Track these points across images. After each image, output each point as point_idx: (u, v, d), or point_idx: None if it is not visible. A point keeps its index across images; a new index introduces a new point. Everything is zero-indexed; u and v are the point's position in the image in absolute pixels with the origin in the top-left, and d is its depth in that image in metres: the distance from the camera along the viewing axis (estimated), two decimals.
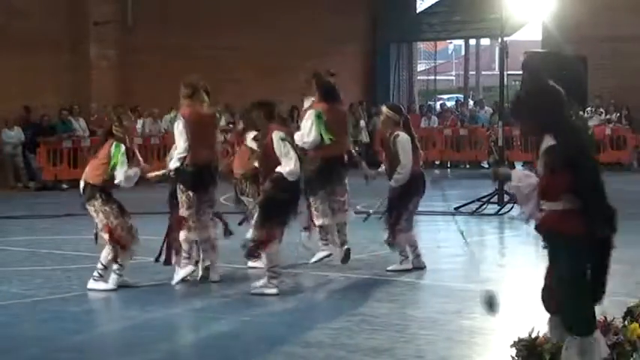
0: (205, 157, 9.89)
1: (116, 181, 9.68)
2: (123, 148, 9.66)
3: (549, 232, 5.81)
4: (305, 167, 9.75)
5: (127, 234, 9.75)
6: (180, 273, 9.88)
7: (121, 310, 9.27)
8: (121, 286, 9.77)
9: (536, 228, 5.90)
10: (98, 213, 9.71)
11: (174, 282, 9.85)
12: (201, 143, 9.80)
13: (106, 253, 9.73)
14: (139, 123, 23.92)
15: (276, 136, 9.31)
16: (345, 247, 10.63)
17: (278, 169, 9.18)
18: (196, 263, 10.04)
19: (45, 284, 10.17)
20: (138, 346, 7.67)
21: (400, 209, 10.41)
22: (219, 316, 8.66)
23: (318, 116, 10.40)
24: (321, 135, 10.35)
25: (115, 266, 9.74)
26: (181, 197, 9.84)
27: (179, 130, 9.87)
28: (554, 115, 5.66)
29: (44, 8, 23.60)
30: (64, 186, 21.27)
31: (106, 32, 24.29)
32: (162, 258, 10.03)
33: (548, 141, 5.62)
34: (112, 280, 9.73)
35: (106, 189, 9.74)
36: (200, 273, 10.10)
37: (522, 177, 5.79)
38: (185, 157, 9.80)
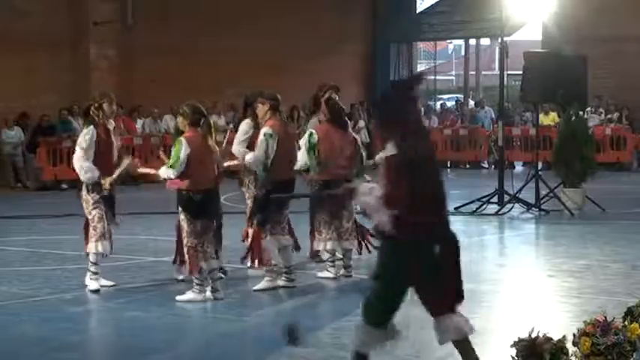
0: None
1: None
2: (87, 131, 9.57)
3: (383, 236, 5.86)
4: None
5: (98, 228, 9.62)
6: (189, 296, 9.61)
7: (120, 310, 9.25)
8: (120, 286, 9.77)
9: (375, 232, 6.03)
10: (83, 202, 9.72)
11: (180, 298, 9.53)
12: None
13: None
14: (139, 123, 23.94)
15: (263, 130, 9.54)
16: (349, 271, 10.48)
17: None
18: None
19: (45, 284, 10.17)
20: (138, 346, 7.67)
21: None
22: (220, 316, 8.66)
23: (310, 140, 10.25)
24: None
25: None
26: None
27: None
28: (394, 124, 5.80)
29: (44, 8, 23.60)
30: (64, 186, 21.26)
31: (106, 32, 24.29)
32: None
33: (389, 150, 5.76)
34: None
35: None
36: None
37: (368, 190, 5.89)
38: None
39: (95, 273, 9.71)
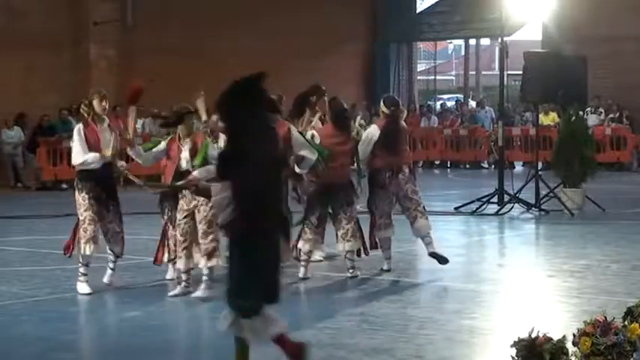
0: None
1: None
2: (77, 129, 9.53)
3: (227, 230, 6.14)
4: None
5: (89, 230, 9.48)
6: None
7: (120, 311, 9.25)
8: (120, 286, 9.78)
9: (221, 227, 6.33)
10: (76, 203, 9.61)
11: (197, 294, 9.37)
12: None
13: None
14: (139, 123, 23.93)
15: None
16: (353, 272, 10.43)
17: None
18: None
19: (45, 284, 10.17)
20: (137, 346, 7.67)
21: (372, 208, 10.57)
22: (220, 316, 8.65)
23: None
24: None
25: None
26: None
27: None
28: (228, 120, 6.07)
29: (44, 8, 23.61)
30: (64, 186, 21.27)
31: (106, 32, 24.29)
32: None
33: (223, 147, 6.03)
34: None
35: (80, 177, 9.60)
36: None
37: (219, 190, 6.11)
38: None
39: (84, 274, 9.58)
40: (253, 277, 5.94)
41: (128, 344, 7.82)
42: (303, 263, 10.13)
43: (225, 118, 6.16)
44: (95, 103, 9.63)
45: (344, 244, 10.20)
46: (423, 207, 10.79)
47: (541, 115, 22.95)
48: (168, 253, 9.67)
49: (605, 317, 6.04)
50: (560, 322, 7.80)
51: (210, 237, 9.17)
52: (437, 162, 28.81)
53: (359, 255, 10.38)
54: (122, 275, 10.29)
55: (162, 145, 9.59)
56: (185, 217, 9.28)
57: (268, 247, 6.00)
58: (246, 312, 5.99)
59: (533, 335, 5.88)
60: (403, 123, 11.08)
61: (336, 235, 10.27)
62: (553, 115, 25.75)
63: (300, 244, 10.14)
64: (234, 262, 6.02)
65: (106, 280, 9.78)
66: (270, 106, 6.43)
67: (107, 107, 9.78)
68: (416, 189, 10.68)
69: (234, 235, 6.03)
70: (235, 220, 5.95)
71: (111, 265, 9.81)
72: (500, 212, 16.09)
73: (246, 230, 5.96)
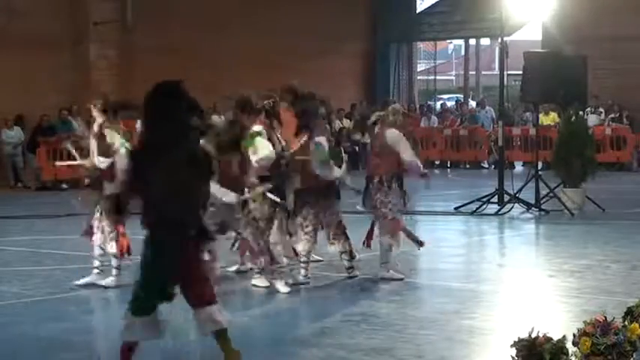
0: None
1: None
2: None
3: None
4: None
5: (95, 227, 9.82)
6: None
7: (120, 310, 9.23)
8: (120, 286, 9.79)
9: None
10: None
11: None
12: None
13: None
14: (139, 123, 23.90)
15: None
16: (350, 272, 10.42)
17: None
18: None
19: (45, 284, 10.17)
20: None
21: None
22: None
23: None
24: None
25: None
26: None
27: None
28: (149, 117, 6.28)
29: (44, 8, 23.60)
30: (64, 186, 21.27)
31: (106, 32, 24.29)
32: None
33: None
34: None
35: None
36: None
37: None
38: None
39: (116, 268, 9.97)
40: (145, 281, 6.20)
41: None
42: (303, 265, 10.08)
43: (146, 116, 6.32)
44: (94, 112, 9.97)
45: (329, 247, 10.27)
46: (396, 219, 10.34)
47: (541, 115, 22.95)
48: None
49: (605, 317, 6.04)
50: (560, 322, 7.80)
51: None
52: (437, 162, 28.81)
53: (352, 256, 10.30)
54: (122, 275, 10.28)
55: None
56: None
57: (162, 253, 6.12)
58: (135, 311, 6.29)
59: (533, 335, 5.88)
60: (382, 132, 10.46)
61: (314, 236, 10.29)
62: (553, 115, 25.75)
63: (298, 246, 10.11)
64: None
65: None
66: (193, 108, 6.50)
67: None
68: (387, 200, 10.23)
69: (154, 231, 6.17)
70: (153, 216, 6.15)
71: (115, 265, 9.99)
72: (500, 212, 16.09)
73: (148, 232, 6.17)
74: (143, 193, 6.15)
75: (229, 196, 9.01)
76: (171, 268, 6.14)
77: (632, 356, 5.95)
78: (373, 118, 10.66)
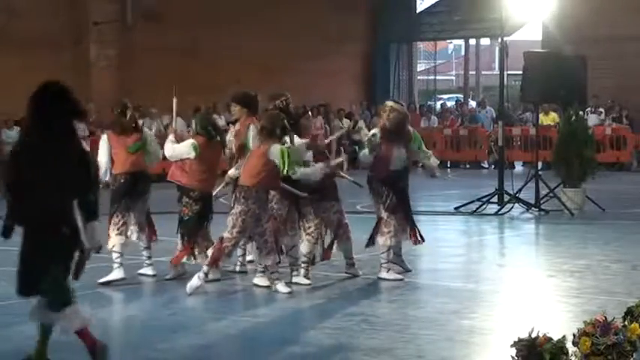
0: None
1: None
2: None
3: None
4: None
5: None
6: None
7: (121, 310, 9.26)
8: (120, 286, 9.80)
9: None
10: None
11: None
12: None
13: None
14: (139, 123, 23.93)
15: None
16: (354, 270, 10.41)
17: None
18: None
19: None
20: (138, 346, 7.67)
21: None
22: (220, 316, 8.65)
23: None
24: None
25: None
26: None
27: None
28: (32, 116, 6.67)
29: (44, 8, 23.62)
30: None
31: (106, 32, 24.30)
32: None
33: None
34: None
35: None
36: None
37: None
38: None
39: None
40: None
41: (128, 344, 7.82)
42: (303, 265, 10.06)
43: (30, 114, 6.68)
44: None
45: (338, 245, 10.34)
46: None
47: (541, 115, 22.95)
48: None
49: (605, 317, 6.03)
50: (560, 322, 7.80)
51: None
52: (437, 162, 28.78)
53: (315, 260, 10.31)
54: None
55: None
56: None
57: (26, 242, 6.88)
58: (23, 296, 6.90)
59: (533, 335, 5.88)
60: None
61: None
62: (553, 115, 25.75)
63: (301, 247, 10.09)
64: None
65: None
66: (77, 111, 6.76)
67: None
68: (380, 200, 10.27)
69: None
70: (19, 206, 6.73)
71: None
72: (500, 212, 16.09)
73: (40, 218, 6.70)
74: (24, 192, 6.47)
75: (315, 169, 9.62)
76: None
77: (632, 356, 5.95)
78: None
